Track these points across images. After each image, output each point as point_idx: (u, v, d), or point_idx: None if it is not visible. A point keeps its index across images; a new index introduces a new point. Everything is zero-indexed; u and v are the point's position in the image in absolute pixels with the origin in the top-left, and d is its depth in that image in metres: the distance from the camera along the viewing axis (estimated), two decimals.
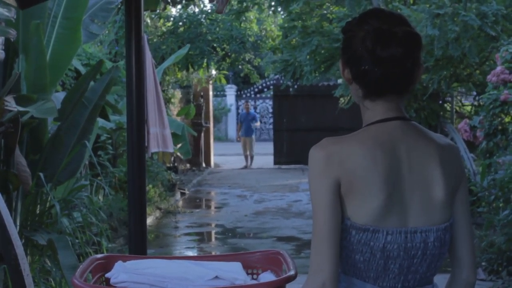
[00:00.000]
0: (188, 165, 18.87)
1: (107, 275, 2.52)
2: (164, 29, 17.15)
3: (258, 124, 21.89)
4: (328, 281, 1.86)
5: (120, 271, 2.47)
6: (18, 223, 5.38)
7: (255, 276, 2.64)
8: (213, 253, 9.03)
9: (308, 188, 1.96)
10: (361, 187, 1.89)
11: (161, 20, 17.17)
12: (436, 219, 1.96)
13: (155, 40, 16.16)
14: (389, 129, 1.97)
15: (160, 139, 7.53)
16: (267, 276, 2.56)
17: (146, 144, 7.09)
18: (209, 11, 17.66)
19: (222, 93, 33.16)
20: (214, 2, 4.14)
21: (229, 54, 17.53)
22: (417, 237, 1.93)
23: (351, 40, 1.97)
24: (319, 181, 1.91)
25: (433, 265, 2.00)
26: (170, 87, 16.56)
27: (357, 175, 1.89)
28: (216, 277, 2.41)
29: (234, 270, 2.51)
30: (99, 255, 2.64)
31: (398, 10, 11.05)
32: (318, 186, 1.91)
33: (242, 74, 23.35)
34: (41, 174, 5.38)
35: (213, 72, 18.84)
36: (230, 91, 33.26)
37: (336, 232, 1.88)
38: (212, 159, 20.91)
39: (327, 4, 12.89)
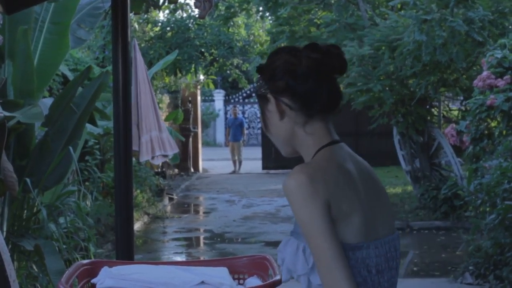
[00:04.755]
0: (176, 170, 18.84)
1: (93, 280, 2.51)
2: (151, 34, 17.13)
3: (245, 131, 21.87)
4: None
5: (106, 277, 2.46)
6: (4, 229, 5.36)
7: (241, 281, 2.64)
8: (201, 258, 9.02)
9: (297, 219, 1.85)
10: (345, 206, 1.86)
11: (149, 25, 17.15)
12: (393, 227, 2.00)
13: (142, 45, 16.14)
14: (339, 150, 1.97)
15: (160, 143, 7.54)
16: (253, 281, 2.56)
17: (136, 149, 7.11)
18: (197, 16, 17.64)
19: (210, 98, 33.13)
20: (198, 8, 4.15)
21: (217, 59, 17.52)
22: (391, 246, 1.95)
23: (287, 68, 1.94)
24: (310, 206, 1.82)
25: (397, 276, 2.00)
26: (158, 92, 16.54)
27: (339, 195, 1.86)
28: (202, 282, 2.41)
29: (220, 275, 2.51)
30: (85, 261, 2.63)
31: (386, 16, 11.11)
32: (310, 211, 1.82)
33: (230, 79, 23.36)
34: (28, 180, 5.36)
35: (201, 77, 18.82)
36: (218, 96, 33.25)
37: (342, 253, 1.82)
38: (201, 164, 20.88)
39: (314, 9, 12.91)
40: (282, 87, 1.94)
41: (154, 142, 7.40)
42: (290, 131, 1.97)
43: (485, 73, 8.16)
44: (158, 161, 7.97)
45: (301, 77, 1.92)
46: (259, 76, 2.01)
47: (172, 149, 7.93)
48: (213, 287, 2.41)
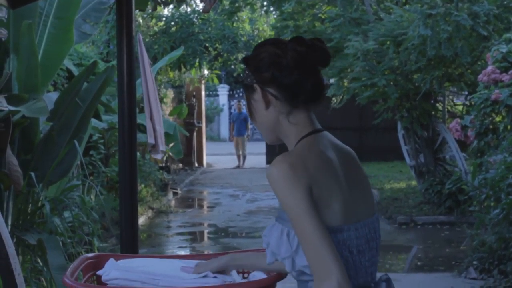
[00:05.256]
0: (180, 164, 18.86)
1: (98, 272, 2.53)
2: (156, 28, 17.13)
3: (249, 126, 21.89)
4: (342, 280, 1.85)
5: (112, 269, 2.47)
6: (9, 223, 5.38)
7: (245, 275, 2.65)
8: (206, 252, 9.02)
9: (282, 205, 1.93)
10: (325, 191, 1.95)
11: (153, 20, 17.15)
12: (373, 210, 2.11)
13: (147, 40, 16.14)
14: (321, 138, 2.06)
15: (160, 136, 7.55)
16: (258, 275, 2.57)
17: (153, 142, 7.11)
18: (201, 10, 17.63)
19: (214, 92, 33.13)
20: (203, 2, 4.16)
21: (222, 53, 17.51)
22: (370, 228, 2.06)
23: (274, 60, 2.04)
24: (293, 191, 1.91)
25: (378, 256, 2.12)
26: (162, 86, 16.55)
27: (320, 181, 1.94)
28: (206, 276, 2.42)
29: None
30: (90, 254, 2.64)
31: (390, 11, 11.09)
32: (293, 196, 1.90)
33: (234, 74, 23.34)
34: (33, 174, 5.37)
35: (206, 71, 18.82)
36: (223, 91, 33.25)
37: (328, 234, 1.89)
38: (205, 159, 20.90)
39: (319, 4, 12.89)
40: (268, 78, 2.04)
41: (159, 136, 7.42)
42: (275, 120, 2.07)
43: (490, 67, 8.14)
44: (156, 156, 7.98)
45: (287, 69, 2.02)
46: (245, 66, 2.11)
47: (163, 145, 7.98)
48: (218, 280, 2.42)
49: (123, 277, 2.41)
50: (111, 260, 2.55)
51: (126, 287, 2.39)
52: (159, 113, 7.54)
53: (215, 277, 2.43)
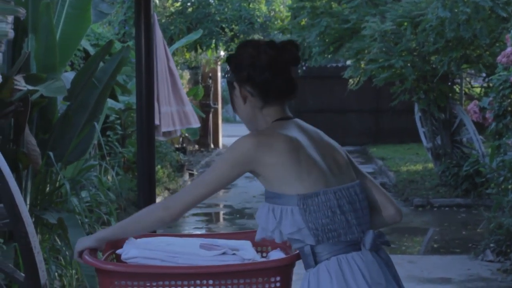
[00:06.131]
0: (196, 146, 18.88)
1: (118, 251, 2.54)
2: (172, 9, 17.09)
3: None
4: (168, 218, 2.33)
5: (131, 247, 2.48)
6: (28, 202, 5.41)
7: (264, 254, 2.66)
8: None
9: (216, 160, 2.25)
10: (295, 165, 2.26)
11: (169, 1, 17.10)
12: (351, 177, 2.39)
13: (163, 20, 16.11)
14: (286, 123, 2.37)
15: (182, 116, 7.54)
16: (277, 254, 2.58)
17: (158, 123, 7.11)
18: None
19: None
20: None
21: (238, 35, 17.45)
22: (351, 192, 2.32)
23: (246, 59, 2.37)
24: (231, 159, 2.32)
25: (368, 215, 2.36)
26: (178, 68, 16.53)
27: (288, 157, 2.26)
28: (225, 253, 2.43)
29: (243, 248, 2.53)
30: None
31: None
32: (227, 161, 2.33)
33: None
34: (51, 154, 5.40)
35: (222, 53, 18.77)
36: None
37: (201, 199, 2.36)
38: (221, 140, 20.91)
39: None
40: (244, 77, 2.37)
41: (175, 116, 7.40)
42: (252, 113, 2.41)
43: (509, 49, 8.05)
44: (165, 138, 7.98)
45: (259, 69, 2.34)
46: (228, 65, 2.45)
47: (196, 123, 7.97)
48: (237, 258, 2.42)
49: (142, 255, 2.43)
50: (130, 239, 2.56)
51: (146, 265, 2.40)
52: (180, 91, 7.53)
53: (233, 254, 2.43)
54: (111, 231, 2.48)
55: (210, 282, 2.31)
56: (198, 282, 2.31)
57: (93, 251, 2.44)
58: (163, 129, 7.28)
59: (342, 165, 2.38)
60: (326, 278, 2.23)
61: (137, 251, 2.44)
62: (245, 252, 2.46)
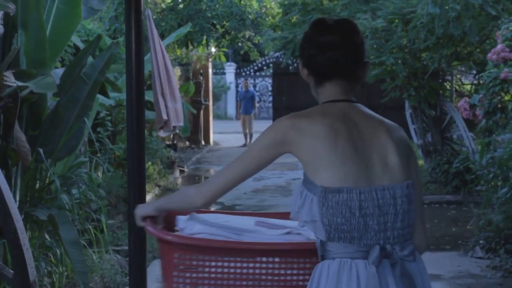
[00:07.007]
0: (187, 142, 18.86)
1: (179, 227, 2.53)
2: (163, 5, 17.05)
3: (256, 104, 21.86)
4: (199, 202, 2.33)
5: (195, 223, 2.49)
6: (17, 199, 5.39)
7: None
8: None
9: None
10: (328, 154, 2.18)
11: None
12: (397, 178, 2.23)
13: (154, 17, 16.07)
14: (339, 107, 2.31)
15: (174, 113, 7.50)
16: None
17: (166, 118, 7.09)
18: None
19: (221, 71, 33.05)
20: None
21: (229, 31, 17.43)
22: (386, 194, 2.19)
23: (302, 40, 2.40)
24: (266, 137, 2.29)
25: (406, 222, 2.23)
26: None
27: (323, 144, 2.20)
28: (290, 232, 2.45)
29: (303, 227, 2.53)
30: None
31: None
32: (262, 140, 2.30)
33: (241, 52, 23.26)
34: (41, 150, 5.38)
35: (213, 49, 18.75)
36: (230, 69, 33.16)
37: (235, 182, 2.31)
38: (211, 137, 20.90)
39: None
40: (304, 57, 2.38)
41: (171, 112, 7.38)
42: (314, 93, 2.42)
43: (499, 46, 8.09)
44: (165, 133, 7.95)
45: (306, 46, 2.36)
46: None
47: (180, 122, 7.92)
48: (302, 237, 2.43)
49: (207, 231, 2.44)
50: (193, 214, 2.57)
51: (214, 240, 2.40)
52: (173, 88, 7.49)
53: (298, 234, 2.45)
54: (165, 203, 2.52)
55: (276, 259, 2.32)
56: (264, 259, 2.32)
57: (152, 220, 2.46)
58: (173, 123, 7.24)
59: (391, 165, 2.24)
60: (323, 278, 2.19)
61: (202, 227, 2.45)
62: (309, 232, 2.41)
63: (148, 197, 10.77)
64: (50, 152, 5.54)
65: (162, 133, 7.51)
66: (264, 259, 2.31)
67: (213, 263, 2.32)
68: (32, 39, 5.36)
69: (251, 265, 2.32)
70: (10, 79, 4.79)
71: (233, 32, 17.42)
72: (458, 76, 13.55)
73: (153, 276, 6.29)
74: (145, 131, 6.92)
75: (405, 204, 2.21)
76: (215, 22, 17.05)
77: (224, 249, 2.33)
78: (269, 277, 2.32)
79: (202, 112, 19.29)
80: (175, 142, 16.32)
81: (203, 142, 19.75)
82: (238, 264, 2.32)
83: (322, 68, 2.32)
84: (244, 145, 20.42)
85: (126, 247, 5.90)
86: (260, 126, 23.29)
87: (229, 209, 10.45)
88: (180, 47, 17.18)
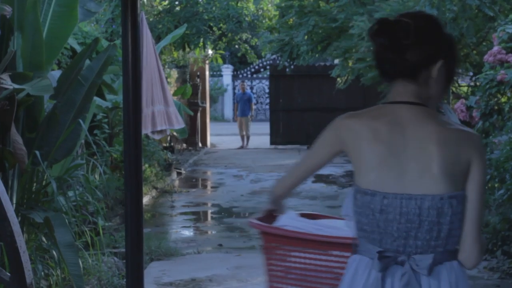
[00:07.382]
0: (184, 145, 18.86)
1: (278, 225, 2.76)
2: (160, 8, 17.05)
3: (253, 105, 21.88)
4: (281, 190, 2.65)
5: (285, 219, 2.73)
6: (14, 201, 5.38)
7: None
8: (209, 232, 9.02)
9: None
10: (365, 156, 2.20)
11: None
12: (434, 188, 2.16)
13: (151, 19, 16.07)
14: (394, 109, 2.23)
15: (164, 116, 7.52)
16: None
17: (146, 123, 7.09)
18: None
19: (218, 73, 33.05)
20: None
21: (226, 33, 17.44)
22: (411, 203, 2.16)
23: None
24: (326, 133, 2.35)
25: (435, 234, 2.17)
26: (166, 66, 16.50)
27: (362, 145, 2.21)
28: None
29: None
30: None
31: None
32: (323, 135, 2.36)
33: (239, 54, 23.27)
34: (37, 152, 5.37)
35: (210, 51, 18.75)
36: (227, 71, 33.17)
37: (302, 178, 2.50)
38: (209, 139, 20.90)
39: None
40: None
41: (158, 116, 7.38)
42: None
43: (496, 48, 8.10)
44: (158, 136, 7.97)
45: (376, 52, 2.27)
46: None
47: (179, 124, 7.93)
48: None
49: (291, 224, 2.68)
50: (289, 212, 2.81)
51: (298, 232, 2.64)
52: (165, 92, 7.51)
53: None
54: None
55: (347, 254, 2.42)
56: (337, 253, 2.54)
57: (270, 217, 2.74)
58: (162, 127, 7.27)
59: (431, 175, 2.15)
60: (348, 270, 2.29)
61: (288, 221, 2.71)
62: None
63: (145, 199, 10.76)
64: (46, 155, 5.53)
65: (156, 136, 7.53)
66: (337, 252, 2.54)
67: (296, 253, 2.62)
68: (28, 42, 5.35)
69: (328, 258, 2.57)
70: (7, 82, 4.79)
71: (230, 34, 17.43)
72: (455, 78, 13.56)
73: (150, 278, 6.29)
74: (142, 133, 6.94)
75: (433, 216, 2.15)
76: (212, 24, 17.05)
77: (303, 240, 2.59)
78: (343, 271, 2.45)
79: (199, 114, 19.29)
80: (172, 144, 16.32)
81: (200, 144, 19.75)
82: (318, 256, 2.58)
83: (381, 68, 2.28)
84: (241, 147, 20.42)
85: (123, 249, 5.89)
86: (257, 128, 23.32)
87: (227, 211, 10.45)
88: (177, 49, 17.18)
